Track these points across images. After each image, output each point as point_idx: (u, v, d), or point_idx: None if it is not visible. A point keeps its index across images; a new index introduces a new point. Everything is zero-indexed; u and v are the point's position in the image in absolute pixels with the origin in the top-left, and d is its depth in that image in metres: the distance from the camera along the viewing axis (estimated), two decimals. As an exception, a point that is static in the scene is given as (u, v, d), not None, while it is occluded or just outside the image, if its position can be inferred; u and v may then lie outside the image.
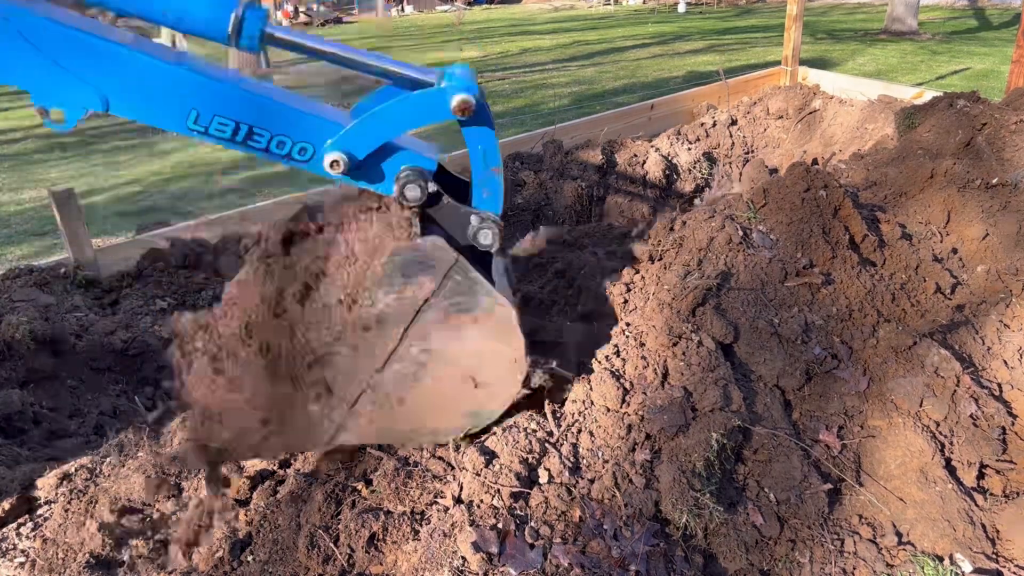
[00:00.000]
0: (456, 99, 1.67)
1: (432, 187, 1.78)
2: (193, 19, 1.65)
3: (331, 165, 1.68)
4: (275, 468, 1.98)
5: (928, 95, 4.68)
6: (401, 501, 1.69)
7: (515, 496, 1.62)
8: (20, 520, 1.99)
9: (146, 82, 1.58)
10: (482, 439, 1.79)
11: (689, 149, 5.34)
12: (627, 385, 1.82)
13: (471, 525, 1.56)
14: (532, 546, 1.54)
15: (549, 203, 4.63)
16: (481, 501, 1.63)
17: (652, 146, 5.28)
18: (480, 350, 1.73)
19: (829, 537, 1.72)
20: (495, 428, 1.80)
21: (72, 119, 1.62)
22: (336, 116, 1.74)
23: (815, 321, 2.01)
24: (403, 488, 1.71)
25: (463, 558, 1.52)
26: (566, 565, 1.51)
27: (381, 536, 1.62)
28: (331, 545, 1.64)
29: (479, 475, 1.67)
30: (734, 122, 5.62)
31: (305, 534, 1.67)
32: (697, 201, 5.23)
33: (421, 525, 1.65)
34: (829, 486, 1.76)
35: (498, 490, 1.63)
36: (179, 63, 1.61)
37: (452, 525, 1.59)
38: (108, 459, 2.15)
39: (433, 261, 1.67)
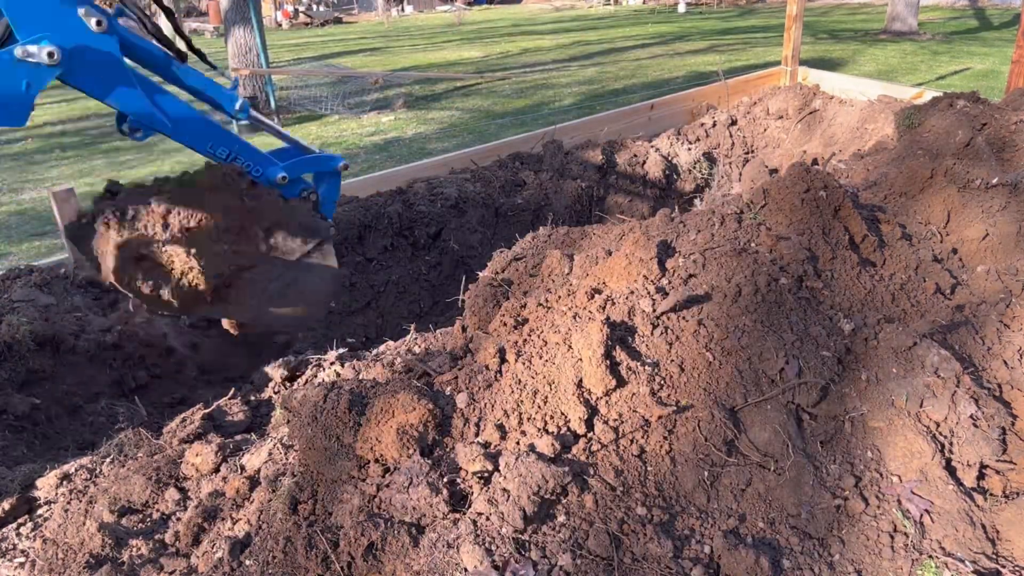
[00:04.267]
0: (340, 164, 3.03)
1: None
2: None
3: (281, 179, 2.81)
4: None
5: (928, 95, 4.69)
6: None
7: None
8: (20, 520, 1.99)
9: (196, 125, 2.56)
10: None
11: (689, 149, 5.34)
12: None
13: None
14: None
15: (549, 203, 4.63)
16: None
17: (652, 146, 5.28)
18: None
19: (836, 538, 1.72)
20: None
21: (147, 135, 2.51)
22: (270, 157, 2.84)
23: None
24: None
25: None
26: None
27: (380, 545, 1.62)
28: (329, 548, 1.64)
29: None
30: (734, 122, 5.62)
31: (304, 535, 1.67)
32: (697, 201, 5.23)
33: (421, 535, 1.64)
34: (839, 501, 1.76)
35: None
36: (211, 119, 2.63)
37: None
38: (108, 459, 2.15)
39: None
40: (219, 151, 2.55)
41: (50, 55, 2.06)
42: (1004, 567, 1.68)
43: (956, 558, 1.69)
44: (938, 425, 1.87)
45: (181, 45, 2.58)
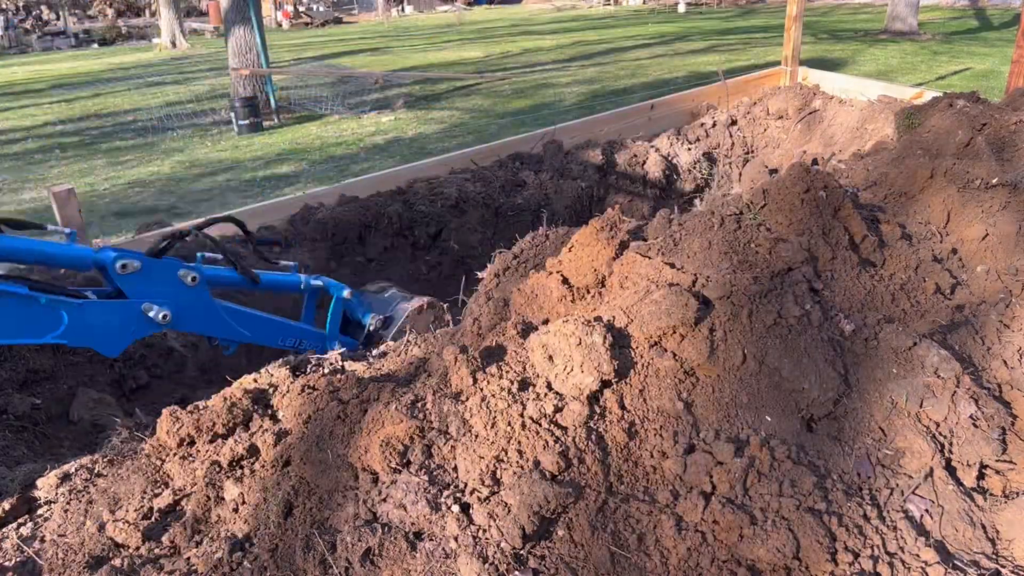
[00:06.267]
0: (346, 291, 3.18)
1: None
2: None
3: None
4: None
5: (928, 95, 4.69)
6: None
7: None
8: (20, 520, 1.99)
9: (268, 328, 2.89)
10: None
11: (689, 149, 5.34)
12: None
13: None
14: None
15: (549, 203, 4.64)
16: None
17: (652, 146, 5.28)
18: None
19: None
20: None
21: (234, 347, 2.85)
22: (324, 334, 3.15)
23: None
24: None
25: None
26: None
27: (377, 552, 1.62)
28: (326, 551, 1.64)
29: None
30: (734, 122, 5.62)
31: (303, 536, 1.67)
32: (697, 201, 5.23)
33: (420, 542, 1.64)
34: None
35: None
36: (282, 319, 2.98)
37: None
38: (108, 459, 2.15)
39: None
40: (288, 342, 2.96)
41: (164, 317, 2.45)
42: (1004, 567, 1.68)
43: (956, 558, 1.69)
44: (938, 425, 1.87)
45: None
